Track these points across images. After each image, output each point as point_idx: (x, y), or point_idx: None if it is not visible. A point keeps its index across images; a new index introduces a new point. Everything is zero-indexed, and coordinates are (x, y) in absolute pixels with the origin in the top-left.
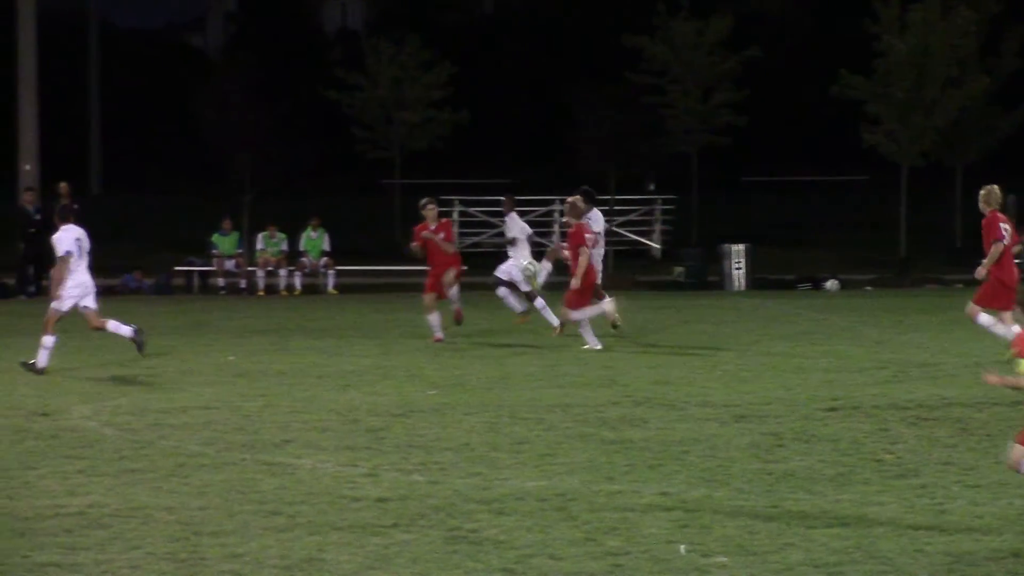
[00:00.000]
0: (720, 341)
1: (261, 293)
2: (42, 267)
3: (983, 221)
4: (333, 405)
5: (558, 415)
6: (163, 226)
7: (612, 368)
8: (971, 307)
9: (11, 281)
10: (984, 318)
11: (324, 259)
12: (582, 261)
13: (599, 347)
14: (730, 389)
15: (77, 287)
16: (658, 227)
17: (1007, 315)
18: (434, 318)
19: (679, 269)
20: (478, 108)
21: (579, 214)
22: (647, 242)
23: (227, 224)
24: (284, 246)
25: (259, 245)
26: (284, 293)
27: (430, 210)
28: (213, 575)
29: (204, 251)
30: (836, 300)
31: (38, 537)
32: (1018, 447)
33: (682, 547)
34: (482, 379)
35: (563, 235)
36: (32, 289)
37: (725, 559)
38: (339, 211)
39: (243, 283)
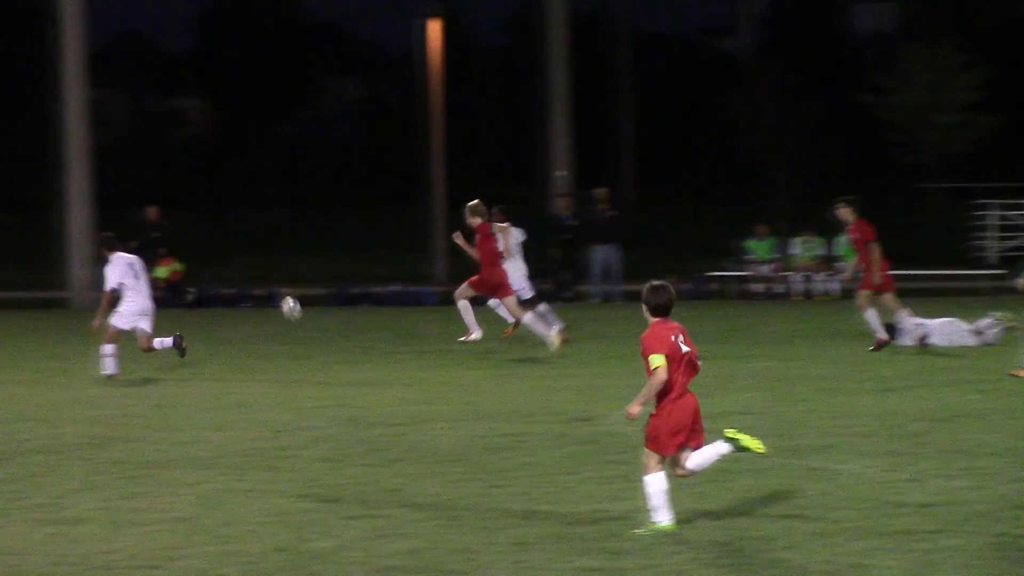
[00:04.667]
0: None
1: (798, 298)
2: (578, 273)
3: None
4: (874, 410)
5: None
6: (697, 231)
7: None
8: None
9: (547, 286)
10: None
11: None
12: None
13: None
14: (282, 395)
15: (134, 308)
16: None
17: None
18: (871, 316)
19: None
20: (1017, 110)
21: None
22: None
23: (762, 229)
24: (821, 251)
25: (795, 250)
26: (821, 298)
27: (842, 211)
28: None
29: (739, 256)
30: None
31: (581, 542)
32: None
33: None
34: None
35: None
36: (568, 294)
37: None
38: (873, 216)
39: (779, 288)
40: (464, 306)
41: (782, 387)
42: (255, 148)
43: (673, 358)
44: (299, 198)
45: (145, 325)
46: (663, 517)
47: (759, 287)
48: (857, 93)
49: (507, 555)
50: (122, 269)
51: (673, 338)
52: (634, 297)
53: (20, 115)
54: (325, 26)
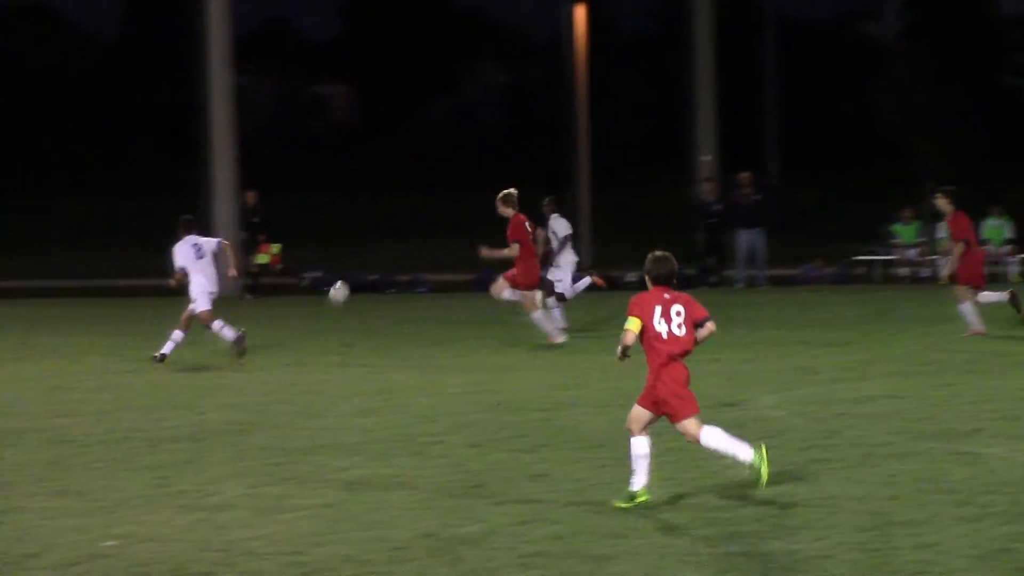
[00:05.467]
0: None
1: (944, 281)
2: (723, 258)
3: None
4: (1021, 393)
5: None
6: (843, 214)
7: None
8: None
9: (691, 271)
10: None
11: (1007, 246)
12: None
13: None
14: (429, 381)
15: (202, 289)
16: None
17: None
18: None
19: None
20: None
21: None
22: None
23: (908, 213)
24: None
25: (941, 234)
26: None
27: (940, 202)
28: (904, 565)
29: (885, 240)
30: None
31: (727, 527)
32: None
33: None
34: None
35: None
36: (713, 279)
37: None
38: (1019, 198)
39: (925, 272)
40: (539, 317)
41: (928, 371)
42: (399, 134)
43: (648, 325)
44: (443, 184)
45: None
46: (746, 455)
47: (905, 271)
48: (1002, 76)
49: (653, 540)
50: (185, 251)
51: (657, 307)
52: (779, 282)
53: (166, 103)
54: (470, 11)
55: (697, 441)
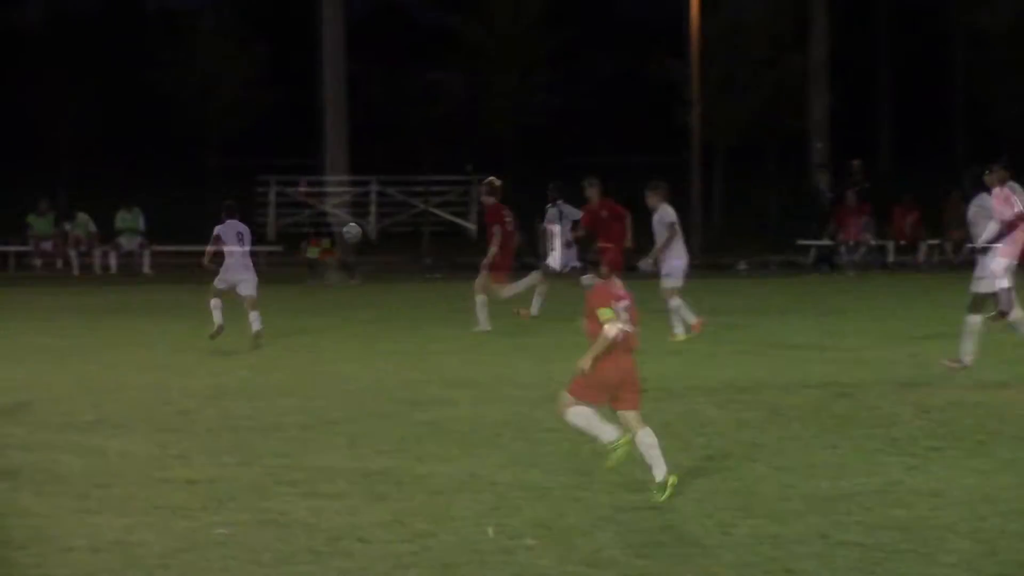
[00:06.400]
0: None
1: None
2: (835, 245)
3: None
4: None
5: None
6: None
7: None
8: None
9: (804, 259)
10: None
11: None
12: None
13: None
14: (540, 369)
15: (228, 274)
16: None
17: None
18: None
19: None
20: None
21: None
22: None
23: None
24: None
25: None
26: None
27: (989, 178)
28: (1018, 553)
29: None
30: None
31: (836, 516)
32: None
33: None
34: None
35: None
36: (825, 267)
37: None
38: None
39: None
40: (482, 301)
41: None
42: (511, 121)
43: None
44: (550, 172)
45: (242, 290)
46: (609, 435)
47: None
48: None
49: (763, 529)
50: (226, 230)
51: (613, 301)
52: (891, 268)
53: (277, 91)
54: None
55: (561, 414)
